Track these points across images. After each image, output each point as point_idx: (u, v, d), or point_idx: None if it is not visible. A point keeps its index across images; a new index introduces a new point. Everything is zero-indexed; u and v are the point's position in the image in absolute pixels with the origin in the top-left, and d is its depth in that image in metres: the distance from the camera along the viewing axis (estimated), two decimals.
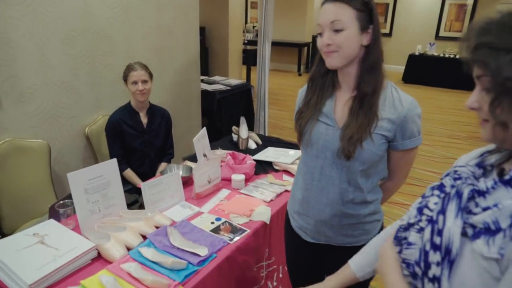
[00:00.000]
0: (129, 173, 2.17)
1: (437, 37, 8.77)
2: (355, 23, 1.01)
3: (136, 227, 1.39)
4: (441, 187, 0.68)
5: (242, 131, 2.27)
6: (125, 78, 2.07)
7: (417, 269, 0.64)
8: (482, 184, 0.60)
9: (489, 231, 0.56)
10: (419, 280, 0.65)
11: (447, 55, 7.73)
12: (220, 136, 3.00)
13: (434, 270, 0.61)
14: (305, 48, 9.06)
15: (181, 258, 1.26)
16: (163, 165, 2.25)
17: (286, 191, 1.78)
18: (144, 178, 2.08)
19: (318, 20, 1.06)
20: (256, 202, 1.66)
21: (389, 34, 9.43)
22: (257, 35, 10.33)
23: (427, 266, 0.62)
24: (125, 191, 1.74)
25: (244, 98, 4.43)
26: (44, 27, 1.97)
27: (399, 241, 0.72)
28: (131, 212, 1.51)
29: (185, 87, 3.04)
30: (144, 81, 2.06)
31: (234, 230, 1.46)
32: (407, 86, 7.92)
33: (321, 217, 1.17)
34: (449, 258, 0.59)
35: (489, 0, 7.82)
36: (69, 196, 1.47)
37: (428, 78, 7.81)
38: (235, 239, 1.40)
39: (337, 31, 1.02)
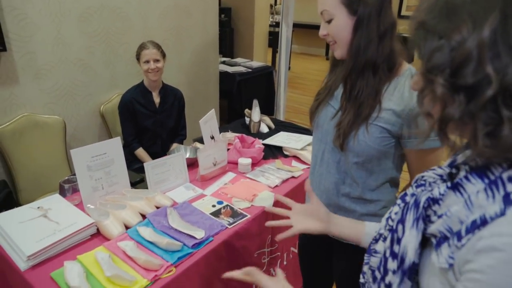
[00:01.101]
0: (141, 152, 2.19)
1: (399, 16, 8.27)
2: (341, 9, 0.93)
3: (137, 206, 1.40)
4: (403, 196, 0.66)
5: (254, 114, 2.22)
6: (138, 57, 2.07)
7: (377, 273, 0.65)
8: (436, 191, 0.57)
9: (447, 239, 0.53)
10: (376, 283, 0.65)
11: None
12: (239, 119, 2.97)
13: (389, 277, 0.61)
14: None
15: (177, 240, 1.25)
16: (173, 146, 2.26)
17: (293, 177, 1.74)
18: (155, 158, 2.09)
19: None
20: (260, 187, 1.63)
21: None
22: None
23: (385, 272, 0.62)
24: (133, 170, 1.76)
25: (265, 81, 4.36)
26: (60, 3, 1.98)
27: (370, 253, 0.72)
28: (134, 191, 1.52)
29: (202, 68, 3.01)
30: (156, 60, 2.05)
31: (235, 214, 1.44)
32: None
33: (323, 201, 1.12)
34: (402, 268, 0.59)
35: None
36: None
37: None
38: (234, 224, 1.38)
39: (328, 21, 0.96)
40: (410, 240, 0.58)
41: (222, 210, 1.47)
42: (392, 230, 0.63)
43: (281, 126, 2.33)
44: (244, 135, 1.99)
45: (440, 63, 0.48)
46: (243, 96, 4.01)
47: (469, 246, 0.48)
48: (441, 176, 0.61)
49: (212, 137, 1.82)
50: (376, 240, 0.71)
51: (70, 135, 2.20)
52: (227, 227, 1.36)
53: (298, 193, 1.72)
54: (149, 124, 2.18)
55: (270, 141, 2.04)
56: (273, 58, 6.69)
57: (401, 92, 0.94)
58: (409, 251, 0.58)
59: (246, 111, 2.31)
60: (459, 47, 0.46)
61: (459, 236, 0.50)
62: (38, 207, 1.36)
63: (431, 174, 0.63)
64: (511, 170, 0.48)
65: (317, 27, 1.02)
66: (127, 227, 1.32)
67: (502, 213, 0.46)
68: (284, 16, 3.43)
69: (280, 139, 2.09)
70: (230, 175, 1.75)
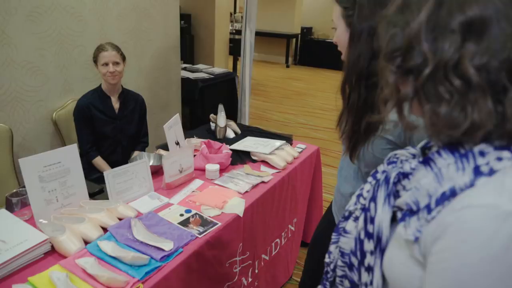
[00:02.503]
0: (99, 161, 2.05)
1: None
2: (341, 20, 0.99)
3: (97, 218, 1.28)
4: (374, 173, 0.66)
5: (220, 119, 2.16)
6: (95, 59, 1.94)
7: (353, 259, 0.63)
8: (407, 166, 0.59)
9: (412, 212, 0.53)
10: (355, 270, 0.63)
11: None
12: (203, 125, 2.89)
13: (368, 259, 0.60)
14: (294, 40, 8.94)
15: (143, 253, 1.16)
16: (135, 153, 2.13)
17: (263, 182, 1.69)
18: (115, 167, 1.96)
19: None
20: (230, 194, 1.57)
21: None
22: None
23: (363, 255, 0.61)
24: (92, 180, 1.63)
25: (228, 87, 4.31)
26: (4, 1, 1.81)
27: (339, 232, 0.71)
28: (93, 202, 1.40)
29: (164, 73, 2.91)
30: (116, 63, 1.93)
31: (204, 223, 1.37)
32: None
33: (340, 207, 1.16)
34: (380, 247, 0.58)
35: None
36: None
37: None
38: (204, 233, 1.31)
39: (335, 29, 1.03)
40: (384, 217, 0.58)
41: (191, 219, 1.38)
42: (365, 209, 0.62)
43: (247, 131, 2.29)
44: (210, 140, 1.92)
45: (394, 49, 0.52)
46: (206, 103, 3.92)
47: (439, 221, 0.48)
48: (413, 155, 0.62)
49: (177, 143, 1.74)
50: (345, 218, 0.70)
51: (18, 144, 2.01)
52: (197, 237, 1.28)
53: (268, 199, 1.68)
54: (108, 131, 2.04)
55: (237, 146, 1.99)
56: (234, 65, 6.67)
57: None
58: (384, 229, 0.58)
59: (211, 116, 2.24)
60: (406, 32, 0.50)
61: (428, 209, 0.50)
62: None
63: (404, 152, 0.64)
64: (483, 144, 0.49)
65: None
66: (86, 242, 1.20)
67: (472, 184, 0.47)
68: (247, 21, 3.42)
69: (247, 144, 2.04)
70: (197, 182, 1.67)
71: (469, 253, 0.43)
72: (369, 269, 0.59)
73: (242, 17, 9.47)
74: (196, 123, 3.70)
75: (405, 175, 0.58)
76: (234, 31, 8.03)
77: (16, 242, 1.13)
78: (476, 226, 0.43)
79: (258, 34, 7.92)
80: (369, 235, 0.60)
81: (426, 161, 0.54)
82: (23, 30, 1.92)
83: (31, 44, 1.97)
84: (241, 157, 1.92)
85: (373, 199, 0.61)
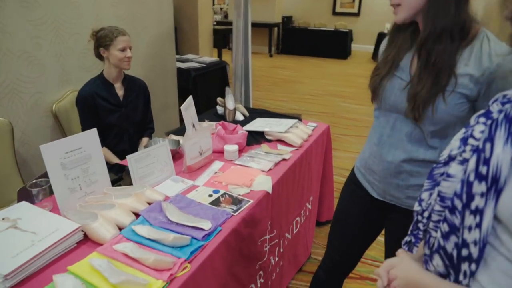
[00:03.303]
0: (105, 151, 1.97)
1: (334, 13, 8.92)
2: None
3: (126, 204, 1.22)
4: (487, 113, 0.62)
5: (229, 101, 2.11)
6: (108, 44, 1.84)
7: (457, 202, 0.61)
8: None
9: None
10: (457, 214, 0.60)
11: None
12: (208, 109, 2.83)
13: (477, 201, 0.57)
14: (276, 29, 8.91)
15: (182, 234, 1.11)
16: (144, 140, 2.07)
17: (284, 159, 1.67)
18: (123, 156, 1.90)
19: None
20: (255, 172, 1.53)
21: (357, 14, 9.47)
22: (225, 16, 10.05)
23: (470, 197, 0.58)
24: None
25: (219, 76, 4.24)
26: None
27: (434, 178, 0.69)
28: (118, 189, 1.33)
29: (159, 61, 2.82)
30: (130, 48, 1.87)
31: (236, 201, 1.33)
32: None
33: (387, 174, 1.10)
34: (496, 188, 0.55)
35: None
36: (43, 176, 1.27)
37: None
38: (239, 210, 1.27)
39: None
40: (505, 157, 0.55)
41: (221, 199, 1.34)
42: (478, 150, 0.58)
43: (255, 113, 2.25)
44: (224, 122, 1.87)
45: None
46: (199, 92, 3.85)
47: None
48: None
49: (193, 125, 1.68)
50: (444, 164, 0.67)
51: (18, 139, 1.91)
52: (232, 215, 1.25)
53: (290, 176, 1.65)
54: (114, 119, 1.96)
55: (250, 127, 1.95)
56: (219, 56, 6.58)
57: (478, 57, 0.91)
58: (504, 168, 0.55)
59: (219, 99, 2.19)
60: None
61: None
62: (3, 219, 1.12)
63: None
64: None
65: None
66: (119, 228, 1.14)
67: None
68: (236, 8, 3.36)
69: (259, 124, 2.00)
70: (218, 164, 1.62)
71: None
72: (476, 212, 0.57)
73: (221, 8, 9.30)
74: None
75: None
76: (214, 23, 7.91)
77: (47, 233, 1.06)
78: None
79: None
80: (480, 177, 0.57)
81: None
82: (18, 17, 1.81)
83: (26, 32, 1.86)
84: (255, 138, 1.89)
85: (490, 139, 0.57)
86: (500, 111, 0.59)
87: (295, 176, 1.72)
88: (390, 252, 1.17)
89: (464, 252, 0.60)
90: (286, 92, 5.75)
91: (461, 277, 0.61)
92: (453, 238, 0.62)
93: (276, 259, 1.66)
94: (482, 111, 0.64)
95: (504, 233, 0.57)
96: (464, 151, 0.63)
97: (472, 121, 0.65)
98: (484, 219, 0.57)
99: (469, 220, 0.58)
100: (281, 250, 1.71)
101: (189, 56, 4.28)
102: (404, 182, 1.08)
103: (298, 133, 1.88)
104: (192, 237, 1.10)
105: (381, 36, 8.15)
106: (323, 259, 1.44)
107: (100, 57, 1.89)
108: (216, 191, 1.39)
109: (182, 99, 3.75)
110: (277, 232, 1.61)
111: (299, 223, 1.91)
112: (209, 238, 1.13)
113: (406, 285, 0.70)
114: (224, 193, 1.38)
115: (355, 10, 9.45)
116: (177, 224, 1.17)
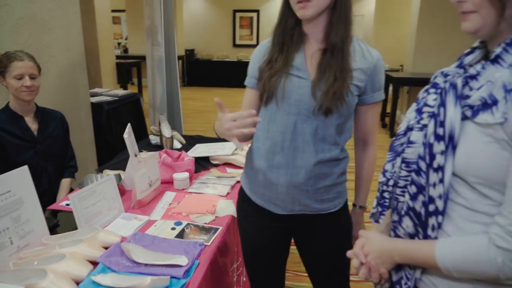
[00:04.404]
0: None
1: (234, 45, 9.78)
2: None
3: (78, 252, 1.01)
4: (435, 85, 0.73)
5: (165, 129, 1.97)
6: (2, 70, 1.56)
7: (421, 164, 0.68)
8: (473, 70, 0.66)
9: (487, 105, 0.61)
10: (422, 174, 0.68)
11: None
12: (113, 153, 2.57)
13: (438, 160, 0.66)
14: (180, 62, 8.88)
15: (157, 275, 0.95)
16: (65, 183, 1.78)
17: (238, 182, 1.60)
18: (46, 199, 1.60)
19: None
20: (214, 198, 1.43)
21: (256, 46, 10.03)
22: (124, 50, 9.65)
23: (432, 157, 0.66)
24: None
25: (133, 109, 3.99)
26: None
27: (395, 150, 0.77)
28: (60, 236, 1.10)
29: (71, 93, 2.52)
30: (33, 76, 1.60)
31: (204, 230, 1.21)
32: None
33: (295, 181, 1.04)
34: (452, 144, 0.64)
35: None
36: None
37: None
38: (212, 239, 1.15)
39: None
40: (456, 117, 0.64)
41: (187, 230, 1.21)
42: (434, 115, 0.68)
43: (191, 140, 2.14)
44: (167, 150, 1.73)
45: None
46: (113, 127, 3.55)
47: None
48: (456, 72, 0.72)
49: (136, 155, 1.52)
50: (405, 134, 0.75)
51: None
52: (206, 245, 1.13)
53: None
54: (28, 157, 1.65)
55: (194, 153, 1.84)
56: (125, 89, 6.24)
57: (361, 53, 1.02)
58: (456, 127, 0.64)
59: (153, 128, 2.03)
60: None
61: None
62: None
63: (451, 69, 0.73)
64: None
65: None
66: (77, 283, 0.93)
67: None
68: (148, 35, 3.25)
69: (202, 150, 1.91)
70: (170, 194, 1.48)
71: None
72: (439, 169, 0.65)
73: (119, 43, 8.91)
74: (107, 150, 3.31)
75: (472, 77, 0.65)
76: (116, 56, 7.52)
77: None
78: None
79: (144, 58, 7.64)
80: (439, 138, 0.65)
81: (495, 60, 0.63)
82: None
83: None
84: (201, 164, 1.79)
85: (442, 104, 0.67)
86: (445, 82, 0.70)
87: None
88: (324, 259, 1.15)
89: (431, 207, 0.67)
90: (201, 122, 5.69)
91: (429, 232, 0.69)
92: (420, 197, 0.69)
93: None
94: (427, 86, 0.75)
95: (460, 185, 0.65)
96: (422, 118, 0.72)
97: (421, 94, 0.76)
98: (445, 173, 0.65)
99: (433, 177, 0.66)
100: (244, 279, 1.61)
101: (97, 90, 3.95)
102: (312, 187, 1.05)
103: (245, 154, 1.84)
104: (171, 277, 0.96)
105: None
106: None
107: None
108: (178, 223, 1.25)
109: (95, 137, 3.41)
110: (241, 259, 1.51)
111: None
112: (189, 274, 0.99)
113: (379, 257, 0.76)
114: (188, 224, 1.25)
115: (254, 42, 10.01)
116: (146, 265, 1.00)
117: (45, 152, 1.73)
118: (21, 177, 1.04)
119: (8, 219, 0.99)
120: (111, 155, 2.46)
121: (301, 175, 1.03)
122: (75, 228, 1.16)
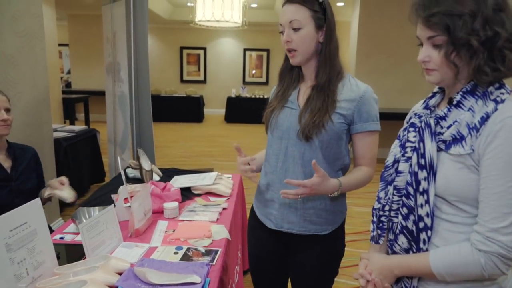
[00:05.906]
0: None
1: (244, 82, 10.19)
2: (311, 22, 1.14)
3: (97, 279, 1.05)
4: (412, 125, 0.89)
5: (144, 163, 2.02)
6: None
7: (409, 189, 0.84)
8: (440, 112, 0.83)
9: (456, 140, 0.78)
10: (411, 197, 0.84)
11: (257, 96, 9.09)
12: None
13: (423, 185, 0.81)
14: None
15: None
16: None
17: (224, 209, 1.71)
18: None
19: (280, 19, 1.18)
20: (207, 224, 1.53)
21: (204, 81, 10.29)
22: (66, 85, 9.30)
23: (418, 183, 0.82)
24: None
25: (89, 144, 3.91)
26: None
27: (385, 179, 0.92)
28: (71, 266, 1.12)
29: (35, 129, 2.47)
30: (7, 110, 1.61)
31: (205, 253, 1.30)
32: (230, 125, 8.75)
33: (285, 200, 1.18)
34: (432, 172, 0.80)
35: (278, 51, 9.73)
36: None
37: (246, 116, 8.86)
38: (215, 260, 1.25)
39: (295, 29, 1.14)
40: (433, 150, 0.81)
41: (189, 254, 1.29)
42: (416, 149, 0.84)
43: (168, 172, 2.21)
44: (153, 181, 1.80)
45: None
46: (71, 163, 3.45)
47: (487, 133, 0.73)
48: (426, 111, 0.89)
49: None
50: (393, 166, 0.90)
51: None
52: (212, 265, 1.22)
53: (232, 225, 1.70)
54: (2, 196, 1.61)
55: (176, 184, 1.92)
56: (71, 123, 6.02)
57: (349, 87, 1.19)
58: (434, 157, 0.80)
59: (131, 162, 2.07)
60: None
61: (476, 129, 0.76)
62: None
63: (421, 110, 0.90)
64: (491, 87, 0.77)
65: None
66: None
67: (496, 109, 0.75)
68: (108, 71, 3.29)
69: (183, 181, 1.99)
70: (163, 223, 1.54)
71: None
72: (424, 192, 0.81)
73: (61, 78, 8.60)
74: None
75: (441, 118, 0.81)
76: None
77: None
78: None
79: (94, 93, 7.47)
80: (421, 167, 0.81)
81: (458, 104, 0.80)
82: None
83: None
84: (184, 194, 1.87)
85: (421, 140, 0.83)
86: (420, 122, 0.86)
87: (236, 223, 1.77)
88: (305, 280, 1.27)
89: (421, 224, 0.82)
90: (156, 157, 5.65)
91: (421, 245, 0.83)
92: (411, 217, 0.84)
93: None
94: (405, 125, 0.91)
95: (442, 204, 0.81)
96: (406, 152, 0.86)
97: (401, 132, 0.92)
98: (430, 196, 0.81)
99: (420, 199, 0.82)
100: None
101: (54, 125, 3.82)
102: (301, 205, 1.20)
103: (224, 183, 1.96)
104: None
105: (230, 100, 9.05)
106: None
107: None
108: (179, 248, 1.33)
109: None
110: (232, 279, 1.60)
111: (237, 272, 1.92)
112: None
113: (381, 273, 0.90)
114: (189, 248, 1.33)
115: (201, 78, 10.26)
116: (162, 285, 1.08)
117: (19, 189, 1.70)
118: (34, 209, 1.07)
119: (25, 250, 1.01)
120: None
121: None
122: (74, 259, 1.19)
